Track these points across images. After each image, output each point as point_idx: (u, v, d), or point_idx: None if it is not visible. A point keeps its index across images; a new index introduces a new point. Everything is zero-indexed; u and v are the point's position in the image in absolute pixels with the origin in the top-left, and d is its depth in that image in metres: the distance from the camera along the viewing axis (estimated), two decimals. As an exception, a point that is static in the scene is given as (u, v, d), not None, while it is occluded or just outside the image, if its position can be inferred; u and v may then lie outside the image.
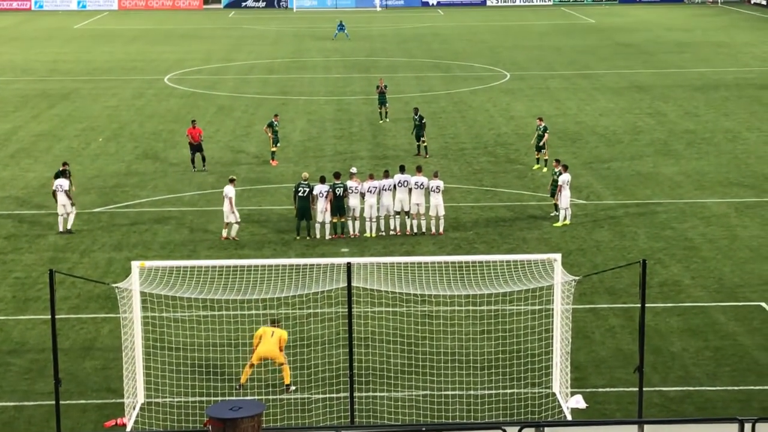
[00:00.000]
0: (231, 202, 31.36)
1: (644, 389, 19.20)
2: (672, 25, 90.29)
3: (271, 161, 41.29)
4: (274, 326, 21.40)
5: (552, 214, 33.45)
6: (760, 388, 21.59)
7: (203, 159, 40.37)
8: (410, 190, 31.97)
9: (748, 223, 33.15)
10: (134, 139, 46.61)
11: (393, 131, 46.62)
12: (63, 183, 32.56)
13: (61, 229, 32.30)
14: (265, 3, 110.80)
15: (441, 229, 31.97)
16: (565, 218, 32.95)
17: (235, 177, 33.19)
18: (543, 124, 40.43)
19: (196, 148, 40.19)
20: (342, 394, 20.57)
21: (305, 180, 31.70)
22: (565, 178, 32.80)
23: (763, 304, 26.21)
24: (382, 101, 49.99)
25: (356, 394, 19.78)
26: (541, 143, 40.08)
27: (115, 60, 71.58)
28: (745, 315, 25.58)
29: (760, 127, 47.58)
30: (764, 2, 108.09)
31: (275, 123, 41.32)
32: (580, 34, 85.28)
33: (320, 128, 48.62)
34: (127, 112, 52.87)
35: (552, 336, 21.10)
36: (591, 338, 24.01)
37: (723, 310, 25.86)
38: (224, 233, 31.65)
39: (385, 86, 50.22)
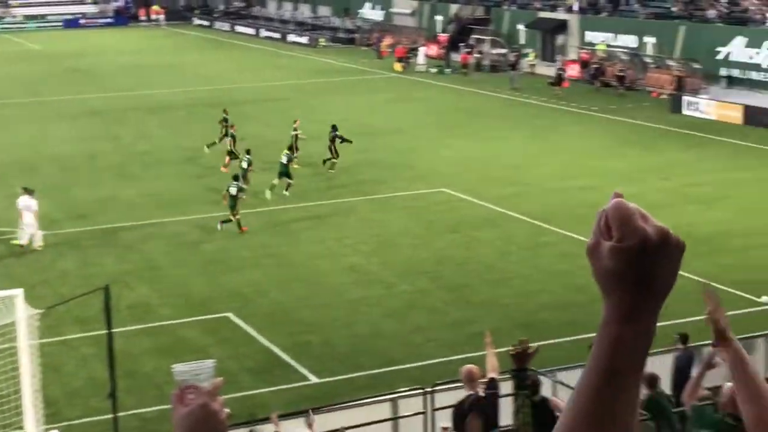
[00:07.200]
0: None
1: (119, 414, 19.18)
2: (122, 49, 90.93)
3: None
4: None
5: None
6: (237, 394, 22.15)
7: None
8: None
9: (212, 237, 34.03)
10: None
11: None
12: None
13: None
14: None
15: None
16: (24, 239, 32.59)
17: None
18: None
19: None
20: None
21: None
22: (25, 202, 32.43)
23: (230, 315, 27.23)
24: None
25: None
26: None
27: None
28: (214, 327, 26.43)
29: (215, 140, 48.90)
30: (206, 23, 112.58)
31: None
32: (30, 60, 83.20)
33: None
34: None
35: (21, 374, 20.35)
36: (62, 370, 23.47)
37: (192, 325, 26.52)
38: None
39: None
